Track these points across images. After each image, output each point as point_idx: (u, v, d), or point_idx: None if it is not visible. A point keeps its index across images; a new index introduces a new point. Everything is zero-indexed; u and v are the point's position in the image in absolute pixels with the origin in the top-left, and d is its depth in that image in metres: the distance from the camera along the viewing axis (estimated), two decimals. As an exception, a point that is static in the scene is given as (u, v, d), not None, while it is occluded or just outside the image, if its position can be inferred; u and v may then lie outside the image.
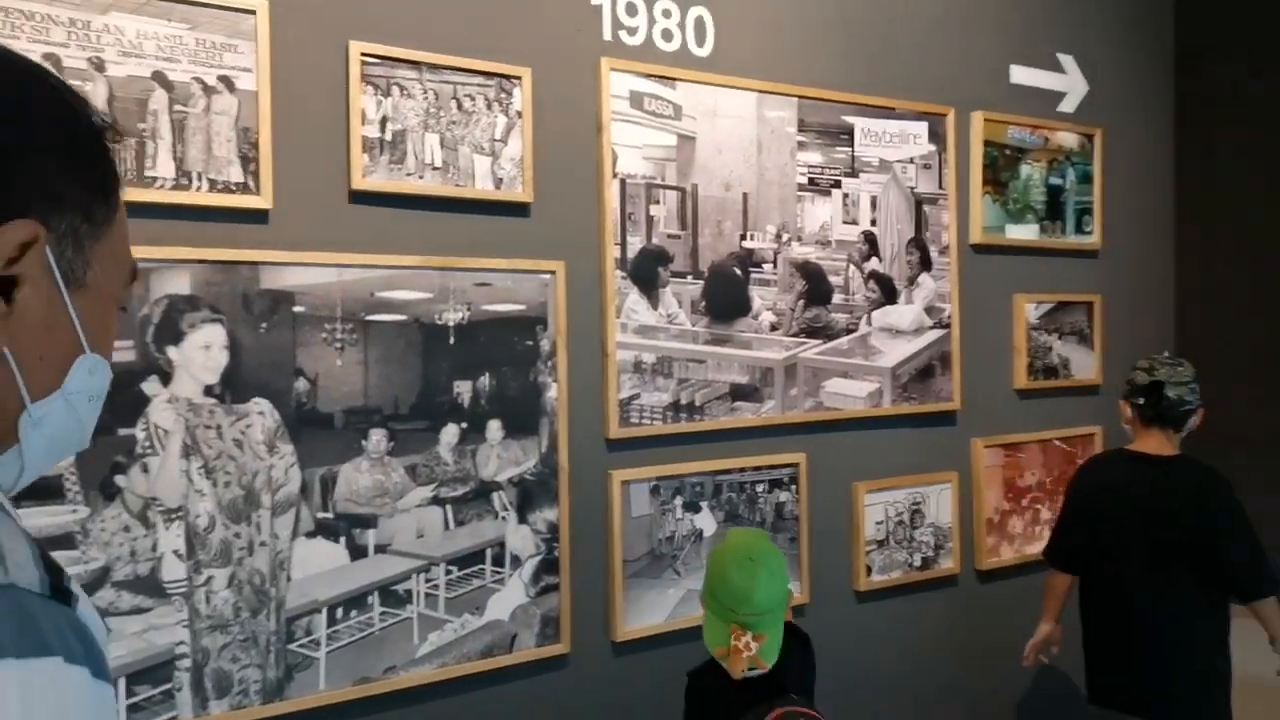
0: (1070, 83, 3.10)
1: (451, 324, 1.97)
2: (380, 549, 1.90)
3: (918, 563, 2.76)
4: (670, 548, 2.28)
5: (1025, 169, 2.99)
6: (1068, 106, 3.10)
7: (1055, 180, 3.06)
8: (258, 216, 1.81)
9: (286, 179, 1.83)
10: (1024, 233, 2.99)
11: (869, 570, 2.65)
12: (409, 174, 1.93)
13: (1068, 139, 3.08)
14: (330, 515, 1.86)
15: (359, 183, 1.88)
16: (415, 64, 1.94)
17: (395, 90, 1.92)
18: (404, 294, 1.92)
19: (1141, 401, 2.45)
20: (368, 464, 1.89)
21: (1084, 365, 3.14)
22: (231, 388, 1.77)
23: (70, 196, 0.59)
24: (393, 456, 1.91)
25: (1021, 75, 2.98)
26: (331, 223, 1.88)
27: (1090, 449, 3.13)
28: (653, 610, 2.26)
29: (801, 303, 2.50)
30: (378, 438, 1.89)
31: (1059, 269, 3.09)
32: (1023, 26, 2.99)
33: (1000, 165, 2.93)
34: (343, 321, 1.86)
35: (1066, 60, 3.09)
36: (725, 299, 2.37)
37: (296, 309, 1.83)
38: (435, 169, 1.96)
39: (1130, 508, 2.41)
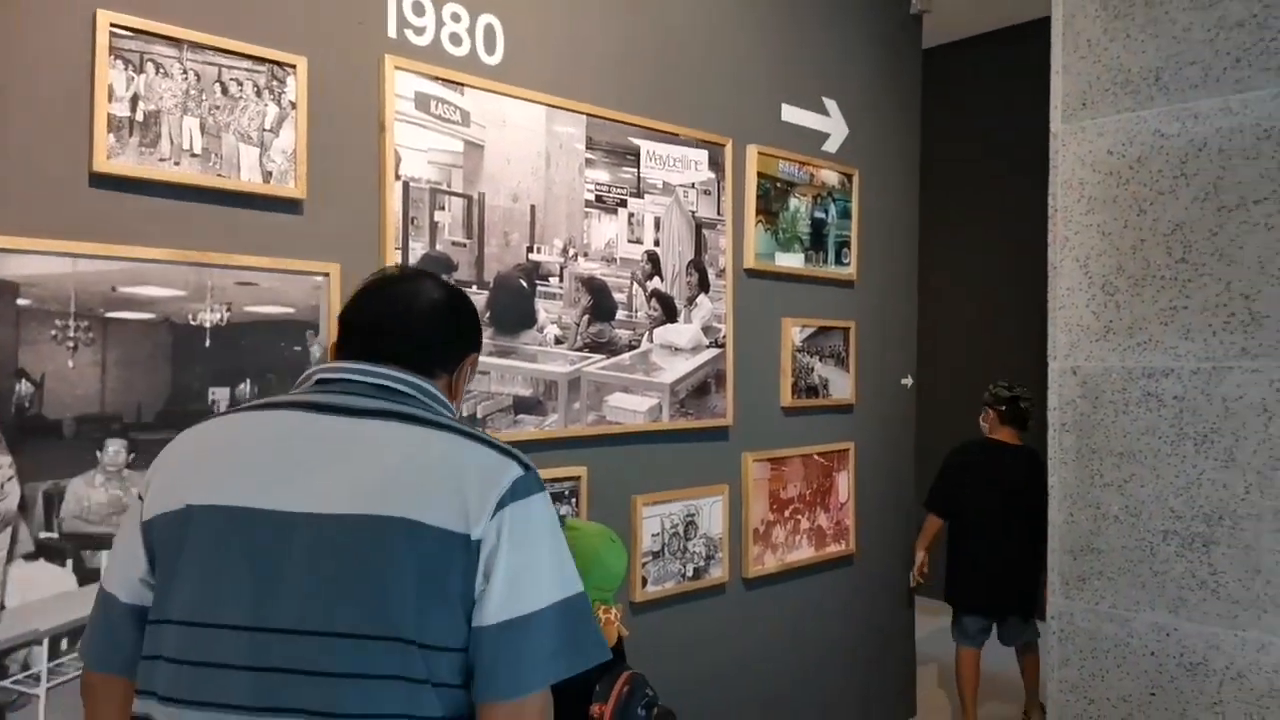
0: (833, 125, 3.36)
1: (208, 325, 1.81)
2: (116, 573, 1.70)
3: (690, 573, 2.85)
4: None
5: (794, 201, 3.20)
6: (830, 147, 3.36)
7: (819, 214, 3.30)
8: (-26, 194, 1.58)
9: (13, 155, 1.62)
10: (791, 261, 3.20)
11: (645, 581, 2.71)
12: (163, 159, 1.76)
13: (830, 177, 3.34)
14: (55, 535, 1.64)
15: (102, 165, 1.69)
16: (175, 41, 1.78)
17: (150, 67, 1.75)
18: (152, 290, 1.74)
19: (1003, 408, 3.75)
20: (103, 478, 1.69)
21: (840, 386, 3.39)
22: (-69, 389, 1.53)
23: (478, 343, 1.28)
24: (134, 470, 1.72)
25: (791, 114, 3.20)
26: (67, 207, 1.67)
27: (845, 463, 3.39)
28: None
29: (586, 318, 2.53)
30: (115, 449, 1.70)
31: (821, 296, 3.32)
32: (793, 69, 3.21)
33: (772, 196, 3.12)
34: (77, 318, 1.66)
35: (830, 104, 3.34)
36: (511, 311, 2.35)
37: (21, 302, 1.61)
38: (194, 156, 1.80)
39: (991, 477, 3.66)
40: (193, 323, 1.79)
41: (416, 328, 1.18)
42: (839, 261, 3.39)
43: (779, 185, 3.14)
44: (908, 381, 3.74)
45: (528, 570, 1.01)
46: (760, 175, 3.05)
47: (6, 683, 1.59)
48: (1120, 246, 2.72)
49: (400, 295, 1.20)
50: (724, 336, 2.93)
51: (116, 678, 1.07)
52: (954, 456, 3.81)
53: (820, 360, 3.32)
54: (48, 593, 1.63)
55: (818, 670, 3.33)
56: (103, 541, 1.69)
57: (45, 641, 1.62)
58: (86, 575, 1.67)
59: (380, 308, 1.19)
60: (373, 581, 0.96)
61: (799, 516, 3.24)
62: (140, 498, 1.08)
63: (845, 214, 3.41)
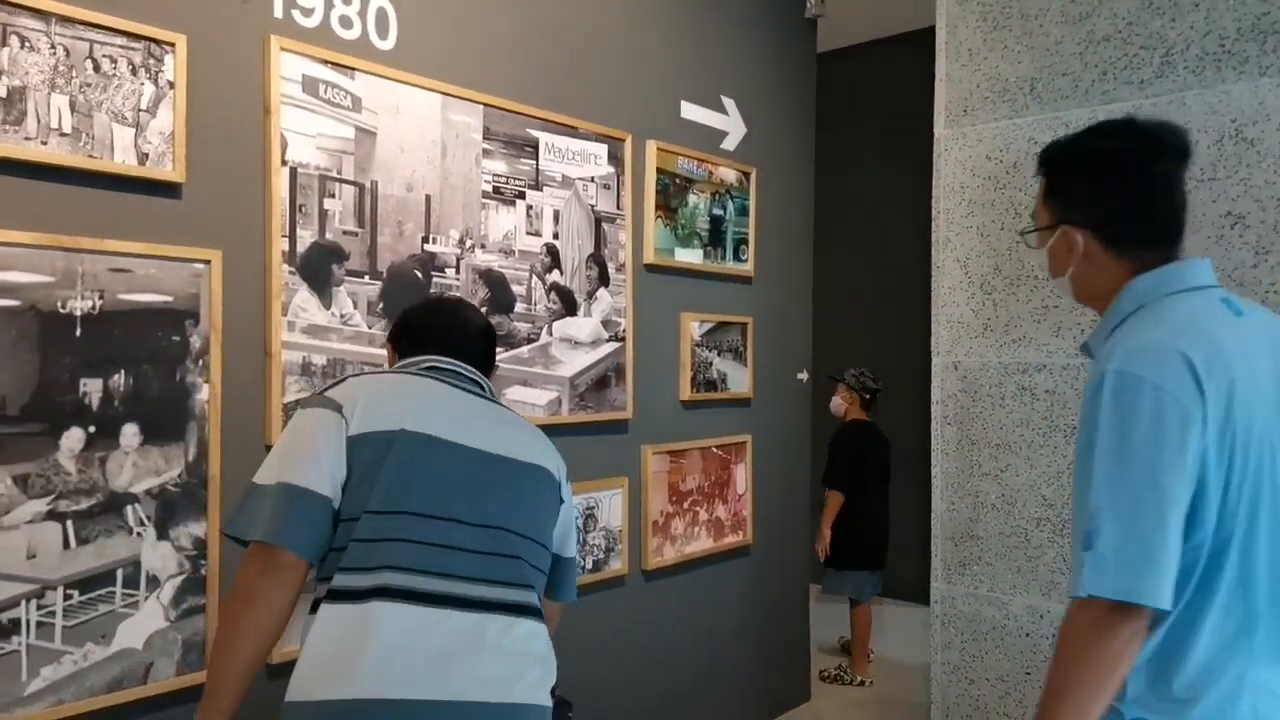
0: (731, 123, 3.42)
1: (79, 313, 1.72)
2: (-26, 574, 1.61)
3: (590, 565, 2.86)
4: (337, 560, 2.17)
5: (693, 198, 3.24)
6: (729, 145, 3.42)
7: (717, 211, 3.35)
8: None
9: None
10: (690, 256, 3.24)
11: (543, 575, 2.70)
12: (28, 138, 1.67)
13: (729, 174, 3.40)
14: (-96, 536, 1.54)
15: (-41, 141, 1.59)
16: (42, 13, 1.68)
17: (14, 41, 1.65)
18: (16, 276, 1.64)
19: (868, 396, 4.41)
20: (-41, 474, 1.59)
21: (739, 380, 3.46)
22: None
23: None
24: (-5, 464, 1.63)
25: (691, 112, 3.24)
26: (-81, 185, 1.57)
27: (742, 455, 3.46)
28: (315, 628, 2.12)
29: (485, 309, 2.51)
30: (-25, 442, 1.60)
31: (719, 292, 3.38)
32: (693, 67, 3.25)
33: (671, 192, 3.15)
34: (-70, 304, 1.56)
35: (729, 103, 3.40)
36: (406, 302, 2.30)
37: None
38: (64, 135, 1.71)
39: (874, 454, 4.33)
40: (62, 310, 1.70)
41: (475, 342, 1.59)
42: (737, 258, 3.45)
43: (678, 181, 3.18)
44: (803, 376, 3.84)
45: (573, 528, 1.62)
46: (660, 171, 3.08)
47: None
48: (997, 248, 2.86)
49: (459, 315, 1.63)
50: (624, 330, 2.95)
51: (305, 561, 1.30)
52: (848, 440, 4.33)
53: (719, 355, 3.37)
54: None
55: (716, 659, 3.39)
56: (-41, 541, 1.59)
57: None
58: (-60, 577, 1.57)
59: (448, 321, 1.60)
60: (534, 502, 1.46)
61: (698, 508, 3.29)
62: (344, 418, 1.34)
63: (743, 211, 3.47)
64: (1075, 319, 2.70)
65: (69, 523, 1.72)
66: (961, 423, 2.93)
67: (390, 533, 1.30)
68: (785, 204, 3.71)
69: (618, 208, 2.93)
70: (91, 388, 1.75)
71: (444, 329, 1.57)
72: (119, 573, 1.79)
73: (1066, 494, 2.71)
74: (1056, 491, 2.73)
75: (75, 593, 1.73)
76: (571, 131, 2.75)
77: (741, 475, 3.46)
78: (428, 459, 1.35)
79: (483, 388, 1.54)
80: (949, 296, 2.96)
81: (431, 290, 2.38)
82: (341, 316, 2.16)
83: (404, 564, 1.29)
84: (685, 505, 3.23)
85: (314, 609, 1.32)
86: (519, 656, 1.35)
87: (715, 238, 3.35)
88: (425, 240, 2.35)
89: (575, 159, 2.77)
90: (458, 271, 2.44)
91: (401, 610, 1.27)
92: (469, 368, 1.54)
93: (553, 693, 1.93)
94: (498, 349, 2.54)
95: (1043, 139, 2.75)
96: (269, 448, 2.03)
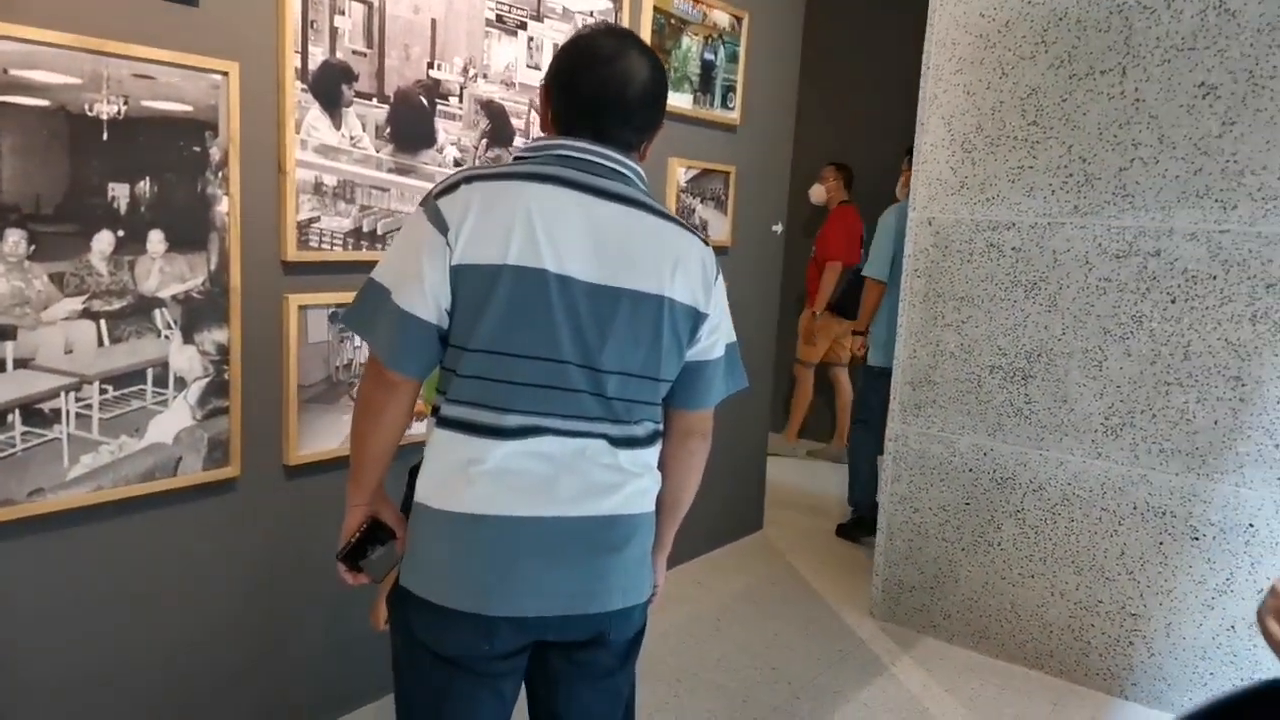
0: (728, -35, 3.38)
1: (105, 117, 1.75)
2: (21, 364, 1.70)
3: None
4: (348, 375, 2.29)
5: (686, 41, 3.24)
6: (725, -13, 3.39)
7: (709, 56, 3.36)
8: None
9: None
10: (681, 101, 3.27)
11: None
12: (49, -69, 1.64)
13: (722, 18, 3.38)
14: (-49, 325, 1.61)
15: (-19, -70, 1.56)
16: None
17: None
18: (46, 75, 1.66)
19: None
20: (3, 268, 1.65)
21: (719, 228, 3.57)
22: None
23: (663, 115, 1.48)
24: (34, 261, 1.69)
25: (689, -51, 3.19)
26: (-58, -26, 1.55)
27: (718, 301, 3.60)
28: (327, 435, 2.27)
29: (485, 141, 2.55)
30: (15, 239, 1.66)
31: (706, 138, 3.43)
32: (694, -98, 3.17)
33: (666, 33, 3.15)
34: (-37, 98, 1.58)
35: (727, -57, 3.35)
36: (411, 128, 2.34)
37: (-104, 75, 1.51)
38: (84, -69, 1.68)
39: None
40: (90, 113, 1.72)
41: (634, 112, 1.36)
42: (725, 105, 3.49)
43: (673, 22, 3.17)
44: (778, 228, 3.96)
45: (720, 326, 1.47)
46: (656, 9, 3.07)
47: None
48: (981, 107, 2.95)
49: (618, 69, 1.34)
50: (614, 171, 3.00)
51: (417, 381, 1.35)
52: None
53: (702, 202, 3.46)
54: (-50, 380, 1.61)
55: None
56: (7, 333, 1.67)
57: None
58: (-13, 366, 1.66)
59: (603, 81, 1.34)
60: (652, 340, 1.35)
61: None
62: (448, 244, 1.26)
63: (733, 58, 3.48)
64: (1047, 180, 2.84)
65: (102, 322, 1.80)
66: (930, 276, 3.10)
67: (491, 373, 1.30)
68: (773, 53, 3.72)
69: (614, 46, 2.92)
70: (119, 192, 1.79)
71: (597, 92, 1.33)
72: (149, 372, 1.89)
73: (1020, 345, 2.93)
74: (1011, 342, 2.95)
75: (110, 388, 1.83)
76: (573, -38, 2.72)
77: (716, 319, 3.61)
78: (534, 297, 1.27)
79: (625, 176, 1.36)
80: (931, 154, 3.07)
81: (436, 119, 2.40)
82: (351, 139, 2.20)
83: (503, 404, 1.31)
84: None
85: (434, 414, 1.37)
86: (618, 471, 1.38)
87: (705, 83, 3.37)
88: (430, 66, 2.36)
89: (576, -8, 2.75)
90: (460, 101, 2.46)
91: (502, 444, 1.31)
92: (611, 155, 1.34)
93: None
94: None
95: None
96: (285, 264, 2.12)
